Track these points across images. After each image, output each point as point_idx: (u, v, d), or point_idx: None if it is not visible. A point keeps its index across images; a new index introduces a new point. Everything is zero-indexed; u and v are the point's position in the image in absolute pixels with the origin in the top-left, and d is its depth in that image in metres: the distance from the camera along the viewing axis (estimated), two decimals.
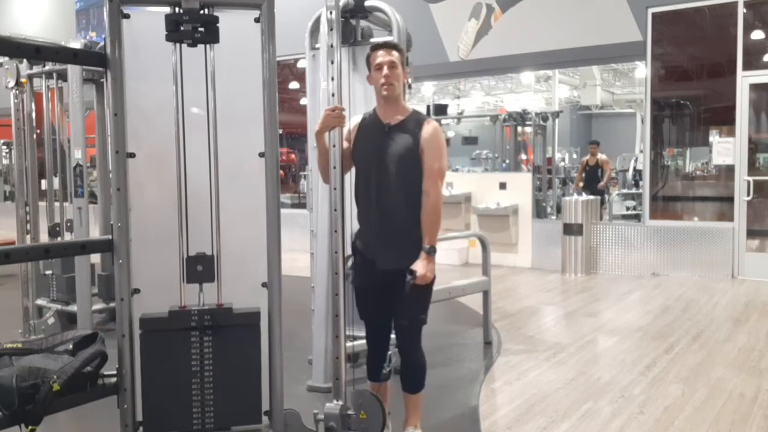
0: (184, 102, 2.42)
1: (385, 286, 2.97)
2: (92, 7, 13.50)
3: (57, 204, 5.56)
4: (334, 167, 2.90)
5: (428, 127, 2.93)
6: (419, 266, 2.85)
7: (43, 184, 6.15)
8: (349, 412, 2.87)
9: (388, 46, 2.98)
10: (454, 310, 5.92)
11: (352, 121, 3.07)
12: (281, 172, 6.48)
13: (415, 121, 2.96)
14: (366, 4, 4.02)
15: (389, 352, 3.14)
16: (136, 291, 2.45)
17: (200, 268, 2.42)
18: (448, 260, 8.65)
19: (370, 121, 3.02)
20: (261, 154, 2.50)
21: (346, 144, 3.00)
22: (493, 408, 3.74)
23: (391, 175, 2.91)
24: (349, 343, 3.01)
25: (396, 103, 2.98)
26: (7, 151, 15.23)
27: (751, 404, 3.72)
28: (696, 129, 9.01)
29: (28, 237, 5.41)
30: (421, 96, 14.37)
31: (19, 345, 2.35)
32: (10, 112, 5.51)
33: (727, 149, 7.70)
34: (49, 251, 2.49)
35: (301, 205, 11.11)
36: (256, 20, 2.46)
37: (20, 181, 5.57)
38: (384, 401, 3.08)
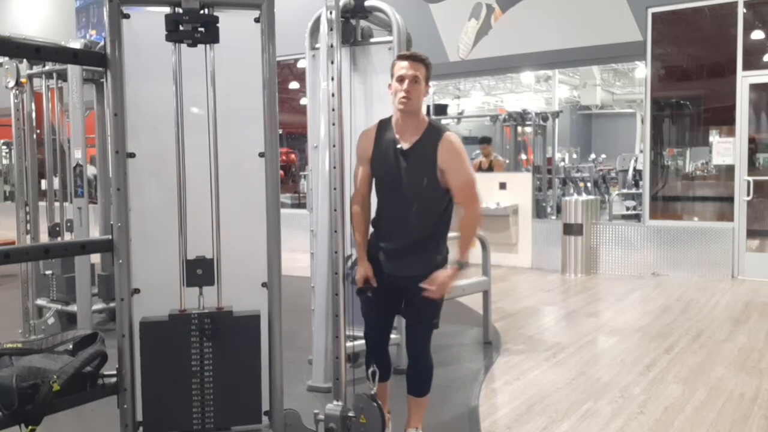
0: (184, 102, 2.42)
1: (394, 288, 2.97)
2: (92, 5, 13.50)
3: (57, 204, 5.56)
4: (334, 167, 2.90)
5: (444, 145, 2.82)
6: (442, 277, 2.83)
7: (43, 184, 6.16)
8: (350, 414, 2.87)
9: (415, 58, 2.85)
10: (454, 310, 5.91)
11: (367, 133, 3.01)
12: (281, 172, 6.47)
13: (431, 139, 2.84)
14: (366, 4, 4.02)
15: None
16: (136, 291, 2.45)
17: (200, 272, 2.42)
18: (449, 260, 8.64)
19: (387, 138, 2.92)
20: (261, 154, 2.50)
21: (364, 169, 2.97)
22: (493, 408, 3.74)
23: (410, 198, 2.86)
24: (349, 343, 3.01)
25: (412, 118, 2.87)
26: (7, 151, 15.23)
27: (751, 404, 3.72)
28: (696, 129, 9.01)
29: (28, 237, 5.41)
30: None
31: (19, 345, 2.35)
32: (10, 112, 5.51)
33: (727, 149, 7.70)
34: (49, 251, 2.49)
35: (301, 205, 11.11)
36: (256, 20, 2.46)
37: (20, 181, 5.57)
38: (384, 401, 3.08)
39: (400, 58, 2.89)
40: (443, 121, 12.18)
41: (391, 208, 2.94)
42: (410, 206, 2.87)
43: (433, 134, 2.86)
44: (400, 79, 2.82)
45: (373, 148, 2.95)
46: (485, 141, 10.25)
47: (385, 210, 2.98)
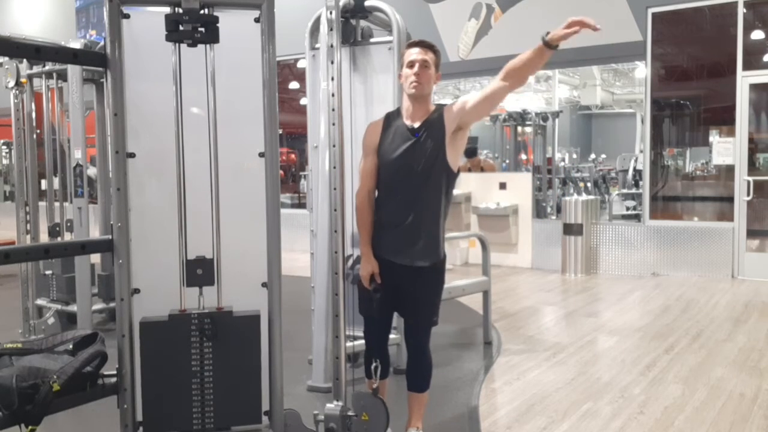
0: (183, 102, 2.42)
1: (393, 285, 2.97)
2: (92, 5, 13.50)
3: (57, 204, 5.56)
4: (334, 167, 2.90)
5: (447, 109, 2.91)
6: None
7: (43, 184, 6.15)
8: (350, 413, 2.87)
9: (424, 45, 2.93)
10: (454, 310, 5.92)
11: (374, 125, 3.04)
12: (281, 172, 6.47)
13: (436, 116, 2.92)
14: (366, 4, 4.02)
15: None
16: (136, 291, 2.45)
17: (200, 272, 2.42)
18: (448, 260, 8.63)
19: (395, 124, 2.97)
20: (261, 154, 2.50)
21: (371, 161, 2.98)
22: (493, 408, 3.74)
23: (420, 178, 2.88)
24: (349, 343, 3.01)
25: (422, 103, 2.93)
26: (7, 151, 15.23)
27: (751, 404, 3.72)
28: (696, 129, 9.01)
29: (28, 237, 5.41)
30: None
31: (19, 345, 2.35)
32: (10, 112, 5.51)
33: (727, 149, 7.71)
34: (49, 251, 2.49)
35: (301, 205, 11.11)
36: (256, 20, 2.46)
37: (20, 181, 5.57)
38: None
39: (410, 45, 2.96)
40: None
41: (399, 191, 2.93)
42: (420, 185, 2.88)
43: (437, 111, 2.94)
44: (411, 65, 2.88)
45: (381, 137, 2.98)
46: (470, 154, 9.64)
47: (393, 195, 2.96)
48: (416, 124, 2.92)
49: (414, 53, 2.90)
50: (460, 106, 2.90)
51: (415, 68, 2.87)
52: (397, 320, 4.13)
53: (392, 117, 3.02)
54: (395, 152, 2.92)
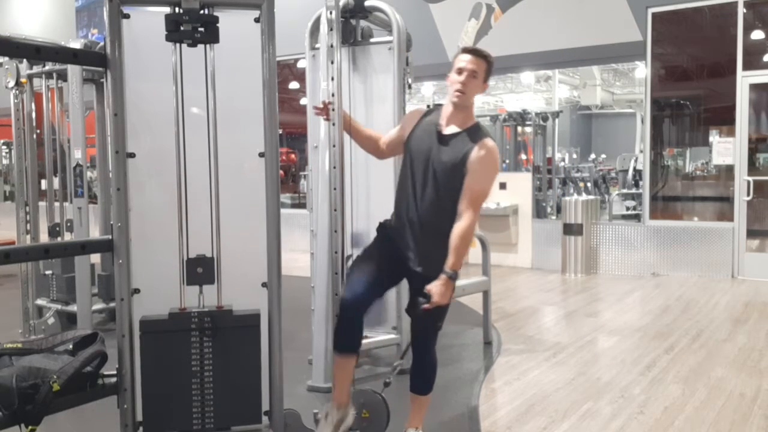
0: (184, 102, 2.42)
1: (405, 267, 2.94)
2: (92, 4, 13.51)
3: (57, 204, 5.56)
4: (334, 167, 2.90)
5: (479, 150, 2.79)
6: (435, 290, 2.74)
7: (43, 184, 6.16)
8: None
9: (477, 53, 2.84)
10: (454, 310, 5.86)
11: (414, 113, 3.04)
12: (281, 172, 6.47)
13: (470, 138, 2.82)
14: (366, 4, 4.02)
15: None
16: (136, 291, 2.44)
17: (200, 270, 2.42)
18: None
19: (430, 119, 2.93)
20: (261, 154, 2.50)
21: (398, 134, 3.02)
22: (493, 408, 3.74)
23: (431, 184, 2.84)
24: None
25: (462, 111, 2.87)
26: (7, 151, 15.24)
27: (751, 404, 3.72)
28: (696, 129, 9.02)
29: (28, 237, 5.41)
30: (421, 96, 14.38)
31: (19, 345, 2.35)
32: (10, 112, 5.51)
33: (727, 149, 7.71)
34: (49, 251, 2.48)
35: (301, 205, 11.12)
36: (256, 20, 2.46)
37: (20, 181, 5.57)
38: (348, 379, 2.92)
39: (464, 51, 2.87)
40: None
41: (415, 192, 2.88)
42: (432, 188, 2.84)
43: (474, 134, 2.84)
44: (459, 71, 2.81)
45: (413, 128, 2.95)
46: None
47: (407, 195, 2.92)
48: (447, 131, 2.86)
49: (464, 60, 2.81)
50: (473, 168, 2.79)
51: (462, 76, 2.79)
52: (398, 320, 4.14)
53: (431, 112, 2.98)
54: (420, 147, 2.89)
